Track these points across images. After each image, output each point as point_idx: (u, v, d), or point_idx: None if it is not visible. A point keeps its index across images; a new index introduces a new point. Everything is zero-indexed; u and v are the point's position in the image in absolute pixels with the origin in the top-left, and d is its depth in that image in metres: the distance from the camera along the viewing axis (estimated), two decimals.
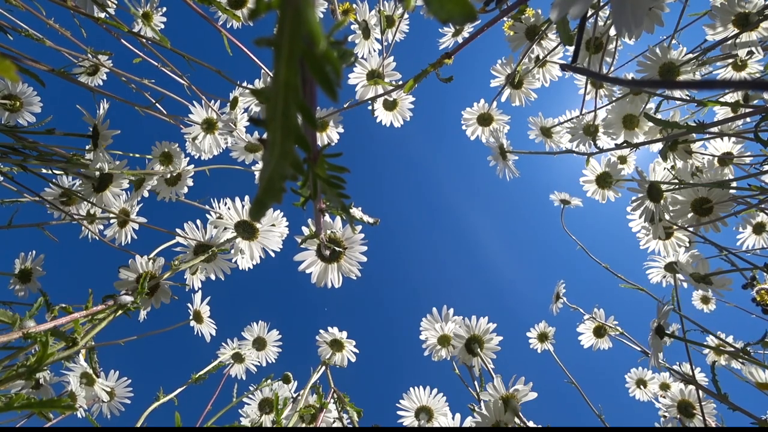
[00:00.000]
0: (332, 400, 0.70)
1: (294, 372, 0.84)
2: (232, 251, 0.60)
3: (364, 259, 0.49)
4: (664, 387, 0.86)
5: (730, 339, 0.82)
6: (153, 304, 0.55)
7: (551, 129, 0.79)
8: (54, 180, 0.64)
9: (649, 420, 0.81)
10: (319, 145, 0.17)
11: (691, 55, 0.57)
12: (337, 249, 0.48)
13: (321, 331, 0.77)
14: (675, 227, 0.63)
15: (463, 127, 0.83)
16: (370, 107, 0.76)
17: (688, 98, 0.58)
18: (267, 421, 0.76)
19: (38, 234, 0.65)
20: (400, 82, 0.70)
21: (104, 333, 0.43)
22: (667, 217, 0.59)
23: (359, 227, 0.47)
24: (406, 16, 0.70)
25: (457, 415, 0.63)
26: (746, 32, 0.55)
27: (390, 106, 0.78)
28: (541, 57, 0.71)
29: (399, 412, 0.67)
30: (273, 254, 0.62)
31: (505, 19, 0.60)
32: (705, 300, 0.86)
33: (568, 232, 0.93)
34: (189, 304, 0.67)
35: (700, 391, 0.67)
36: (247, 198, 0.56)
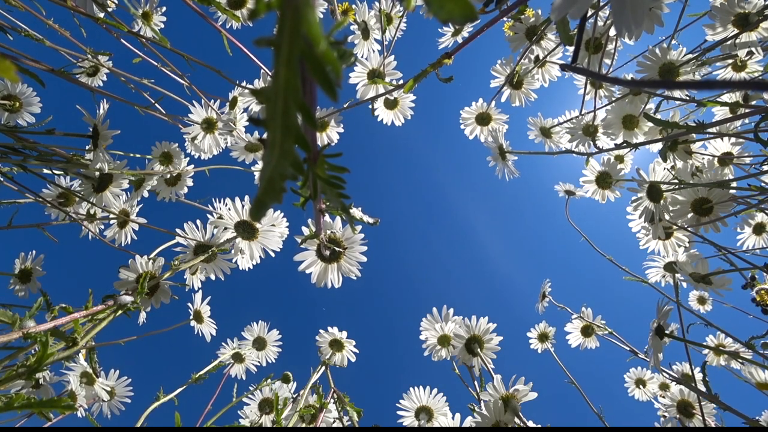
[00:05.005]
0: (332, 400, 0.70)
1: (294, 372, 0.84)
2: (232, 251, 0.60)
3: (364, 259, 0.49)
4: (664, 387, 0.86)
5: (729, 340, 0.82)
6: (153, 304, 0.55)
7: (551, 129, 0.79)
8: (53, 180, 0.64)
9: (649, 420, 0.81)
10: (319, 145, 0.17)
11: (690, 56, 0.57)
12: (336, 249, 0.48)
13: (321, 331, 0.77)
14: (675, 227, 0.63)
15: (462, 127, 0.83)
16: (370, 107, 0.76)
17: (687, 98, 0.58)
18: (267, 421, 0.76)
19: (38, 234, 0.65)
20: (401, 81, 0.70)
21: (104, 333, 0.43)
22: (666, 217, 0.59)
23: (359, 227, 0.47)
24: (400, 11, 0.70)
25: (457, 415, 0.63)
26: (746, 32, 0.55)
27: (391, 104, 0.78)
28: (540, 57, 0.71)
29: (399, 412, 0.67)
30: (273, 254, 0.62)
31: (504, 19, 0.60)
32: (702, 300, 0.86)
33: (573, 224, 0.93)
34: (189, 304, 0.67)
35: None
36: (247, 198, 0.56)
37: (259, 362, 0.85)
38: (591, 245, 0.88)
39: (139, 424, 0.60)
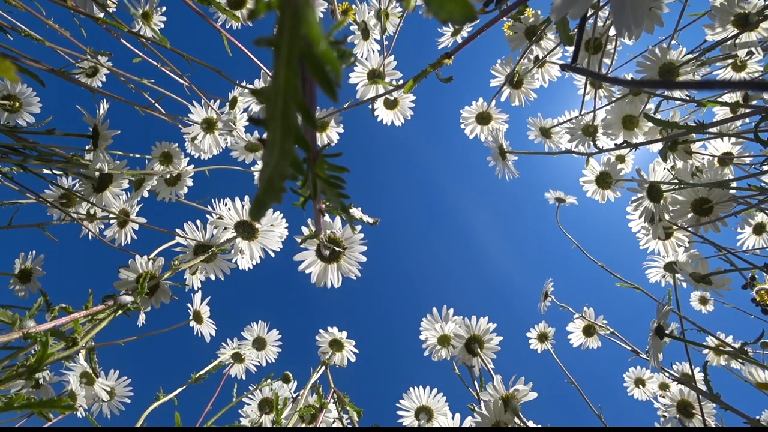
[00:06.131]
0: (332, 400, 0.70)
1: (294, 372, 0.84)
2: (232, 251, 0.60)
3: (364, 258, 0.49)
4: (664, 387, 0.86)
5: (729, 339, 0.82)
6: (153, 304, 0.55)
7: (550, 129, 0.79)
8: (54, 181, 0.64)
9: (649, 420, 0.81)
10: (318, 145, 0.17)
11: (690, 56, 0.57)
12: (336, 249, 0.48)
13: (321, 331, 0.77)
14: (675, 227, 0.63)
15: (462, 126, 0.83)
16: (370, 107, 0.76)
17: (687, 98, 0.58)
18: (267, 421, 0.76)
19: (38, 234, 0.65)
20: (401, 81, 0.70)
21: (104, 333, 0.43)
22: (666, 217, 0.59)
23: (359, 227, 0.47)
24: (399, 9, 0.70)
25: (457, 415, 0.63)
26: (746, 32, 0.55)
27: (391, 104, 0.78)
28: (540, 57, 0.71)
29: (399, 412, 0.67)
30: (273, 254, 0.62)
31: (504, 19, 0.60)
32: (703, 301, 0.86)
33: (563, 230, 0.93)
34: (189, 305, 0.67)
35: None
36: (247, 198, 0.56)
37: (259, 362, 0.85)
38: (583, 252, 0.88)
39: (139, 424, 0.60)
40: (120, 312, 0.44)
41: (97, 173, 0.59)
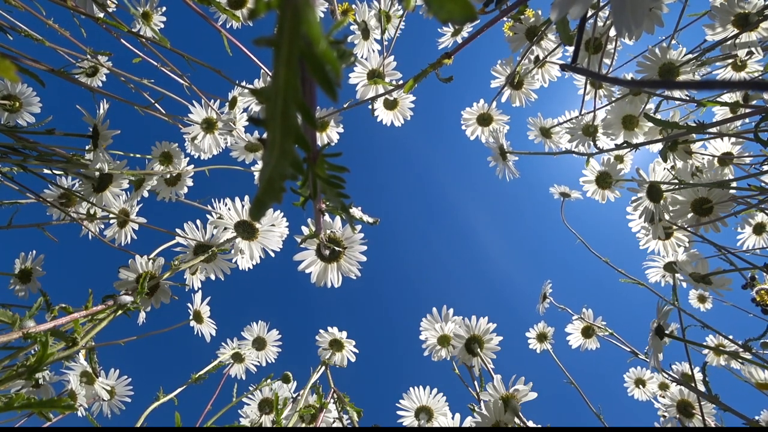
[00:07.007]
0: (332, 400, 0.70)
1: (294, 372, 0.84)
2: (232, 251, 0.60)
3: (364, 258, 0.49)
4: (663, 387, 0.86)
5: (729, 339, 0.82)
6: (153, 304, 0.55)
7: (551, 129, 0.79)
8: (54, 181, 0.64)
9: (649, 420, 0.81)
10: (318, 145, 0.17)
11: (690, 56, 0.57)
12: (336, 249, 0.48)
13: (321, 331, 0.77)
14: (675, 227, 0.63)
15: (463, 128, 0.83)
16: (370, 107, 0.76)
17: (687, 98, 0.58)
18: (267, 421, 0.76)
19: (38, 234, 0.65)
20: (401, 82, 0.70)
21: (104, 333, 0.43)
22: (666, 217, 0.59)
23: (359, 227, 0.47)
24: (399, 10, 0.70)
25: (457, 415, 0.63)
26: (746, 32, 0.55)
27: (390, 105, 0.78)
28: (540, 57, 0.71)
29: (399, 412, 0.67)
30: (273, 254, 0.62)
31: (504, 19, 0.60)
32: (701, 299, 0.86)
33: (568, 226, 0.93)
34: (189, 304, 0.67)
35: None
36: (247, 198, 0.56)
37: (258, 362, 0.85)
38: (587, 247, 0.88)
39: (139, 424, 0.60)
40: (120, 312, 0.44)
41: (97, 173, 0.59)
